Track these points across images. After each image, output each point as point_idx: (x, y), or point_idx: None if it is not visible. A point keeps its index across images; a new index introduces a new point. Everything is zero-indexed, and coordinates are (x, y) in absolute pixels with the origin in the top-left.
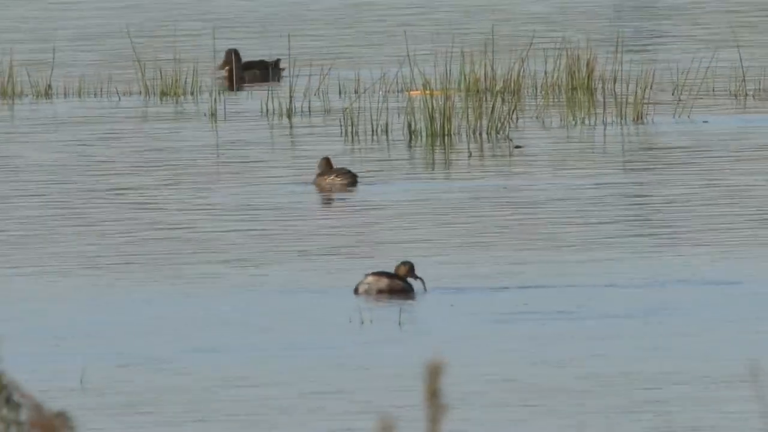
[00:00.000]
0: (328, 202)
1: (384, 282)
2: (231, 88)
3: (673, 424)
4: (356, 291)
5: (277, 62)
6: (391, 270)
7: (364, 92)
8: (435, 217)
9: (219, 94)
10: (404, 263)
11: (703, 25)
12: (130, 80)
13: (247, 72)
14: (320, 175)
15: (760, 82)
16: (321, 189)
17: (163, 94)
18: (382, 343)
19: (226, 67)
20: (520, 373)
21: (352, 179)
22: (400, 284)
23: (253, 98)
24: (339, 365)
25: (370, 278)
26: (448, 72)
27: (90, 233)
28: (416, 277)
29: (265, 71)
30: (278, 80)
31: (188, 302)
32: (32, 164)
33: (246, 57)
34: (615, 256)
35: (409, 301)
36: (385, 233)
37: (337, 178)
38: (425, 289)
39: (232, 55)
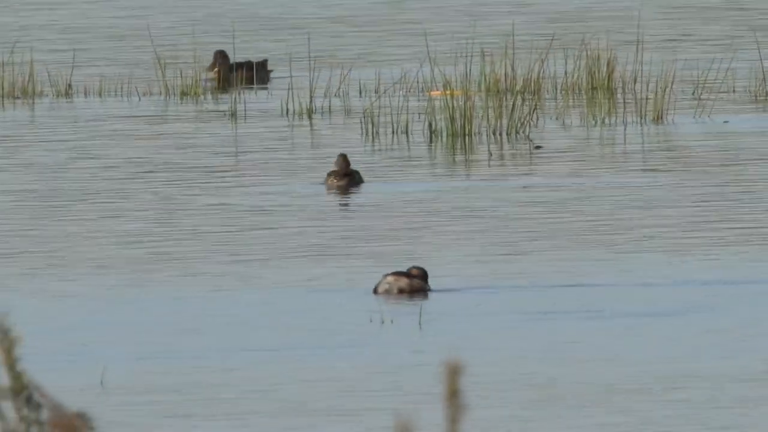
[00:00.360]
0: (346, 201)
1: (404, 282)
2: (220, 89)
3: (700, 423)
4: (375, 291)
5: (264, 63)
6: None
7: (385, 92)
8: (456, 217)
9: (238, 94)
10: (417, 267)
11: (724, 25)
12: (150, 80)
13: (235, 73)
14: (329, 174)
15: None
16: (328, 188)
17: (184, 94)
18: (402, 343)
19: (215, 69)
20: (543, 374)
21: (348, 181)
22: (420, 284)
23: (273, 98)
24: (358, 365)
25: (390, 278)
26: (469, 72)
27: (110, 232)
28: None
29: (252, 72)
30: (266, 81)
31: (208, 301)
32: (52, 163)
33: (269, 58)
34: (637, 255)
35: (429, 301)
36: (404, 233)
37: (335, 179)
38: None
39: (220, 56)
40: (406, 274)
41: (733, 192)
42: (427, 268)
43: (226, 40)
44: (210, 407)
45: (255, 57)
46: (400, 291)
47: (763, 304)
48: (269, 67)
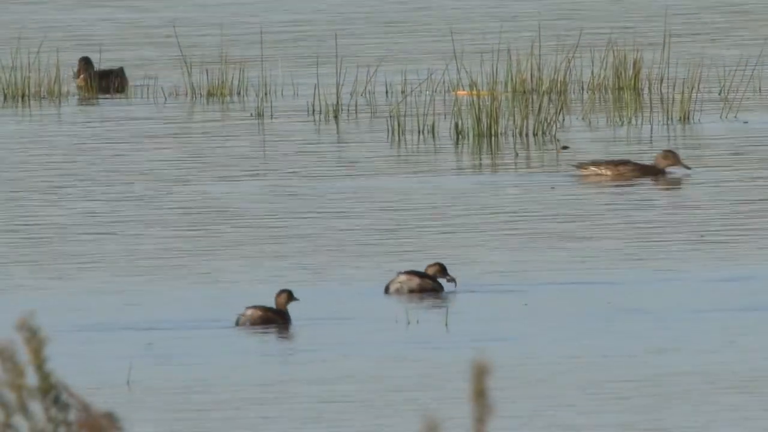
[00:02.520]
0: (387, 198)
1: (415, 281)
2: (87, 95)
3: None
4: (387, 290)
5: (121, 70)
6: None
7: (411, 92)
8: (484, 216)
9: (265, 95)
10: (435, 264)
11: (751, 24)
12: (176, 81)
13: (101, 80)
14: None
15: None
16: (617, 177)
17: (210, 94)
18: (429, 342)
19: (81, 76)
20: (571, 372)
21: (619, 174)
22: (430, 284)
23: (299, 98)
24: (385, 365)
25: (402, 277)
26: (495, 72)
27: (137, 232)
28: (449, 278)
29: (117, 79)
30: (124, 88)
31: (236, 300)
32: (80, 164)
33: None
34: (663, 255)
35: (455, 301)
36: (436, 231)
37: (601, 167)
38: (455, 286)
39: (84, 63)
40: (418, 274)
41: (760, 192)
42: (455, 267)
43: (254, 40)
44: (236, 407)
45: (114, 65)
46: (411, 291)
47: None
48: (126, 74)
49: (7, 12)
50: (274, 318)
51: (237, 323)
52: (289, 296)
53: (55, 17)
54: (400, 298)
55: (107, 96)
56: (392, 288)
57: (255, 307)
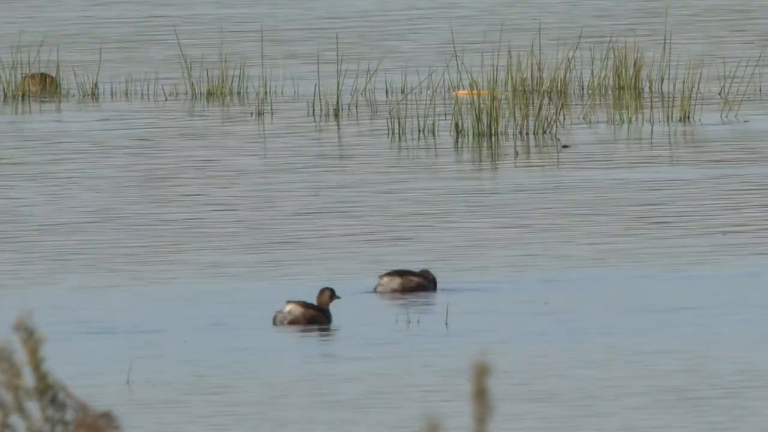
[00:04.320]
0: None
1: (396, 282)
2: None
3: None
4: (375, 290)
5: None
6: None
7: (411, 92)
8: (485, 216)
9: (265, 95)
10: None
11: (751, 24)
12: (176, 81)
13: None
14: None
15: None
16: None
17: (210, 94)
18: (430, 342)
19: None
20: (569, 374)
21: None
22: (413, 281)
23: (299, 98)
24: (385, 364)
25: (385, 278)
26: (495, 71)
27: (138, 230)
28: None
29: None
30: (56, 91)
31: (240, 301)
32: (82, 163)
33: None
34: (665, 253)
35: (455, 300)
36: (435, 231)
37: None
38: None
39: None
40: (399, 273)
41: (760, 192)
42: (454, 267)
43: (254, 38)
44: (238, 405)
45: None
46: (393, 291)
47: None
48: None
49: (9, 9)
50: (318, 316)
51: (275, 321)
52: (332, 294)
53: (59, 15)
54: (383, 299)
55: (45, 98)
56: (378, 290)
57: (296, 302)
